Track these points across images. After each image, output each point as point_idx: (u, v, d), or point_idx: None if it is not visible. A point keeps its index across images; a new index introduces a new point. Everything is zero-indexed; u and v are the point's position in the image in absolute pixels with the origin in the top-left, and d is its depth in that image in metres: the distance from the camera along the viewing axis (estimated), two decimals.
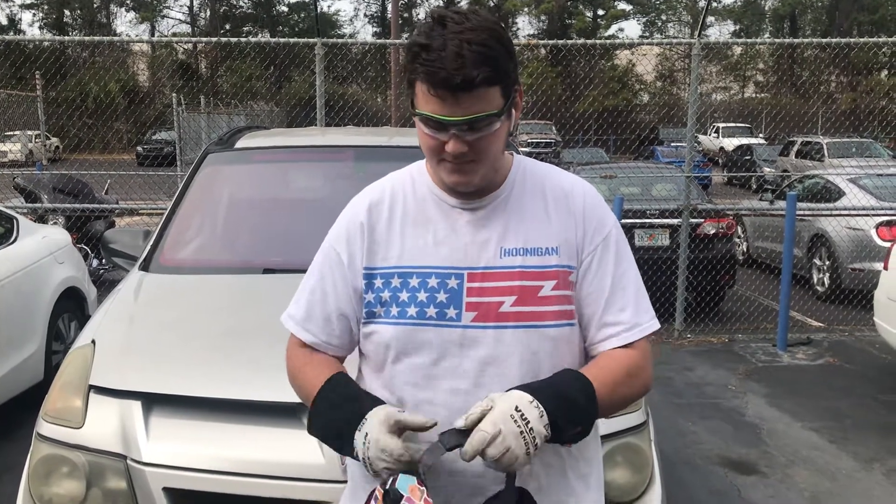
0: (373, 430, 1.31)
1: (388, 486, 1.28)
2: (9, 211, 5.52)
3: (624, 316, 1.46)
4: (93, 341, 2.56)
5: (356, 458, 1.35)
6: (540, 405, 1.28)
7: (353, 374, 1.55)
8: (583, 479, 1.49)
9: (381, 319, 1.44)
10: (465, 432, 1.29)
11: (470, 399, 1.39)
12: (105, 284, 7.35)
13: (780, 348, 6.76)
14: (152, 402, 2.26)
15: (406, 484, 1.26)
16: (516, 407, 1.27)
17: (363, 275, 1.46)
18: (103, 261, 8.10)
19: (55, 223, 7.92)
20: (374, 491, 1.31)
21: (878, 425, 5.03)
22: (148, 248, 3.35)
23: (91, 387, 2.34)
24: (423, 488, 1.25)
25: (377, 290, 1.44)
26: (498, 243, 1.43)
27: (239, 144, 3.84)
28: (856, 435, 4.86)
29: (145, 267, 3.24)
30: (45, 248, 5.29)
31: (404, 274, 1.43)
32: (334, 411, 1.39)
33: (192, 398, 2.26)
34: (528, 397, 1.29)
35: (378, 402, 1.38)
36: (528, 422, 1.26)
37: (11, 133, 18.36)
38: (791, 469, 4.38)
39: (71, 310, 5.43)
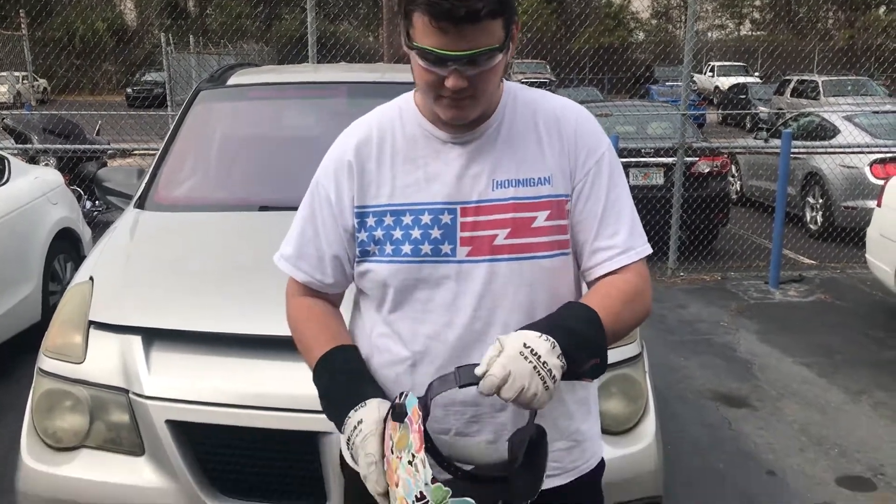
0: (367, 423, 1.31)
1: (398, 400, 1.29)
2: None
3: (617, 240, 1.45)
4: (91, 278, 2.57)
5: (341, 431, 1.36)
6: (550, 337, 1.26)
7: (346, 316, 1.57)
8: (582, 405, 1.52)
9: (375, 258, 1.44)
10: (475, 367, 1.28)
11: (467, 333, 1.40)
12: (99, 226, 7.33)
13: (772, 286, 6.81)
14: (152, 337, 2.28)
15: (411, 405, 1.27)
16: (524, 344, 1.24)
17: (355, 213, 1.45)
18: (97, 202, 8.07)
19: (47, 164, 7.85)
20: (395, 398, 1.32)
21: (868, 360, 5.11)
22: (142, 185, 3.34)
23: (91, 323, 2.36)
24: (421, 415, 1.24)
25: (370, 229, 1.44)
26: (490, 176, 1.41)
27: (231, 81, 3.79)
28: (845, 369, 4.94)
29: (140, 205, 3.23)
30: (37, 189, 5.26)
31: (397, 212, 1.42)
32: (338, 378, 1.41)
33: (191, 333, 2.28)
34: (536, 333, 1.27)
35: (379, 391, 1.39)
36: (540, 356, 1.23)
37: None
38: (781, 402, 4.46)
39: (66, 251, 5.43)
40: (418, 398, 1.27)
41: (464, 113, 1.37)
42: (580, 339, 1.30)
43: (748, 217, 9.55)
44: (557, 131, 1.45)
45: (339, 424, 1.36)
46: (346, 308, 1.59)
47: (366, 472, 1.29)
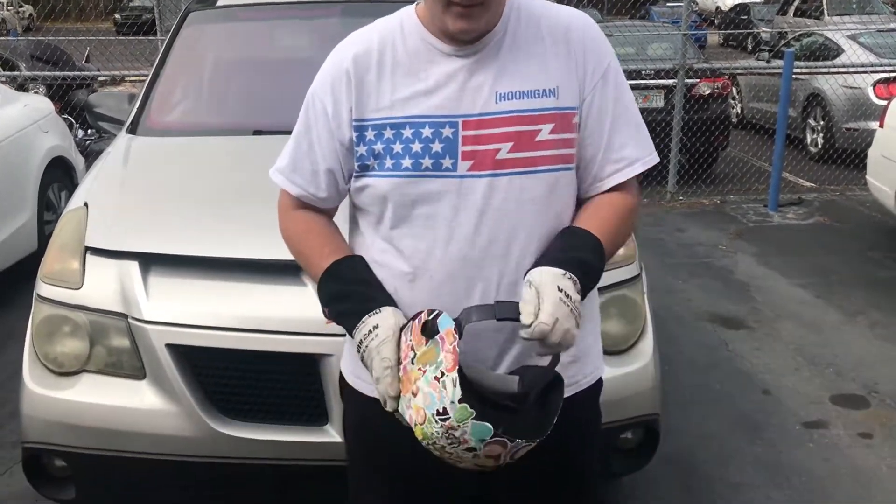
0: (384, 328, 1.32)
1: (430, 318, 1.30)
2: None
3: (626, 152, 1.44)
4: (85, 204, 2.55)
5: (352, 335, 1.36)
6: (572, 276, 1.30)
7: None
8: (587, 321, 1.51)
9: (375, 172, 1.41)
10: (516, 306, 1.29)
11: (468, 249, 1.38)
12: (92, 155, 7.25)
13: (772, 209, 6.81)
14: (149, 262, 2.27)
15: (445, 325, 1.27)
16: (558, 287, 1.27)
17: (353, 126, 1.41)
18: (89, 131, 7.97)
19: (36, 92, 7.72)
20: (420, 313, 1.32)
21: (865, 281, 5.13)
22: (134, 111, 3.29)
23: (87, 248, 2.35)
24: (457, 337, 1.26)
25: (369, 143, 1.40)
26: (492, 88, 1.38)
27: (221, 2, 3.70)
28: (842, 290, 4.97)
29: (133, 130, 3.19)
30: (28, 117, 5.19)
31: (397, 125, 1.38)
32: (350, 286, 1.40)
33: (189, 257, 2.28)
34: (561, 271, 1.29)
35: (391, 300, 1.39)
36: (571, 297, 1.27)
37: None
38: (778, 323, 4.50)
39: (60, 179, 5.39)
40: (454, 320, 1.28)
41: (473, 24, 1.33)
42: (591, 270, 1.34)
43: (748, 140, 9.48)
44: (565, 42, 1.41)
45: (351, 328, 1.37)
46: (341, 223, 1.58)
47: (380, 375, 1.30)
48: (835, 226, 6.41)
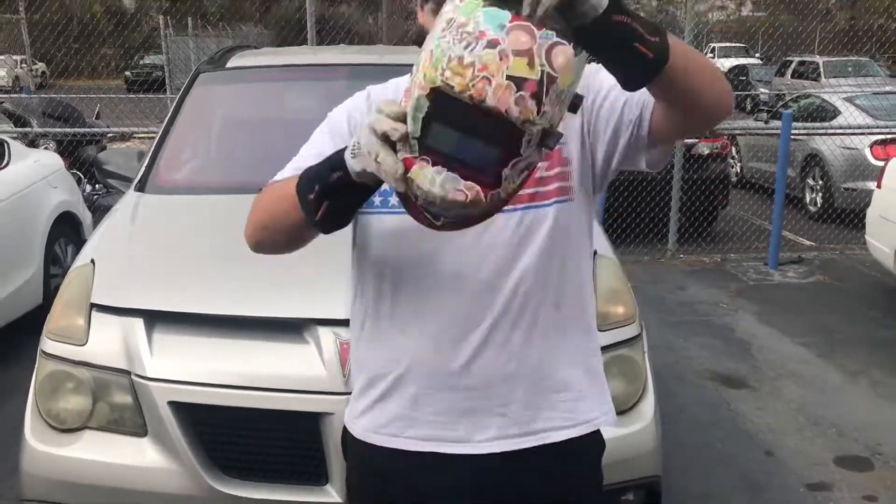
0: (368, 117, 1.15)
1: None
2: None
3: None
4: (92, 261, 2.58)
5: (348, 166, 1.18)
6: None
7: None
8: (589, 369, 1.52)
9: (380, 209, 1.42)
10: None
11: (469, 286, 1.39)
12: (99, 210, 7.32)
13: (772, 267, 6.82)
14: (154, 319, 2.29)
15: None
16: None
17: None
18: (97, 186, 8.06)
19: (46, 148, 7.83)
20: None
21: (866, 340, 5.12)
22: (143, 168, 3.34)
23: (93, 305, 2.37)
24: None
25: None
26: None
27: (230, 64, 3.78)
28: (844, 350, 4.95)
29: (141, 187, 3.23)
30: (37, 173, 5.26)
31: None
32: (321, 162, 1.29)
33: (193, 315, 2.29)
34: None
35: None
36: None
37: None
38: (779, 382, 4.48)
39: (67, 234, 5.43)
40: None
41: None
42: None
43: (748, 199, 9.54)
44: None
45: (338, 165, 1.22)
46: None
47: (378, 151, 1.09)
48: (835, 285, 6.42)
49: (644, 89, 1.23)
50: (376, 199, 1.42)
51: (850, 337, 5.18)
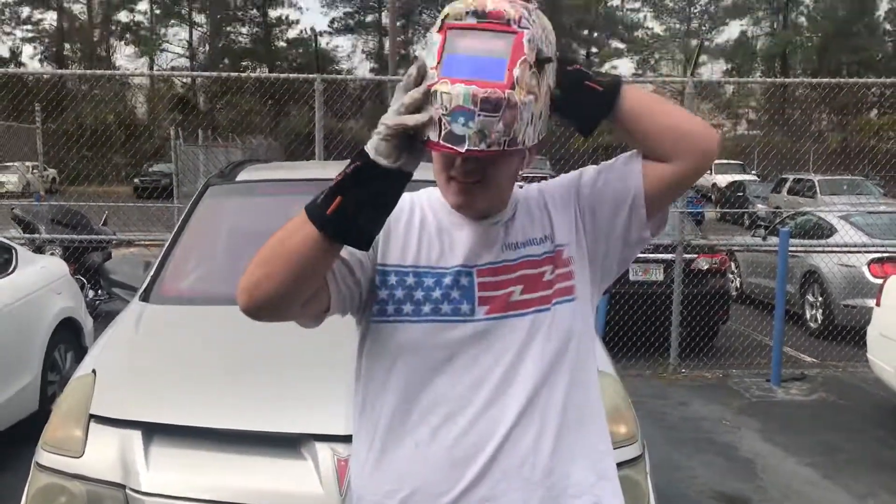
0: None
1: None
2: (7, 241, 5.54)
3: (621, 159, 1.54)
4: (93, 371, 2.58)
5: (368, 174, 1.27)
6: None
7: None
8: (608, 479, 1.55)
9: (394, 317, 1.46)
10: None
11: (484, 391, 1.42)
12: (101, 315, 7.34)
13: (775, 384, 6.77)
14: (153, 431, 2.27)
15: None
16: None
17: (378, 271, 1.48)
18: (100, 292, 8.11)
19: (53, 254, 7.92)
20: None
21: (872, 461, 5.03)
22: (148, 278, 3.37)
23: (91, 416, 2.35)
24: None
25: (391, 288, 1.46)
26: (503, 240, 1.49)
27: (240, 177, 3.88)
28: (849, 470, 4.86)
29: (146, 297, 3.26)
30: (42, 279, 5.31)
31: (420, 273, 1.47)
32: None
33: (192, 428, 2.27)
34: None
35: None
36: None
37: (9, 164, 18.44)
38: (785, 503, 4.38)
39: (67, 340, 5.43)
40: None
41: (471, 199, 1.44)
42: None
43: (748, 314, 9.55)
44: (559, 194, 1.56)
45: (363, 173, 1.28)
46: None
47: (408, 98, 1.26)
48: (839, 403, 6.35)
49: (626, 168, 1.48)
50: (390, 308, 1.45)
51: (856, 457, 5.09)
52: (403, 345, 1.45)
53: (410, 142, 1.28)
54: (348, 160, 1.32)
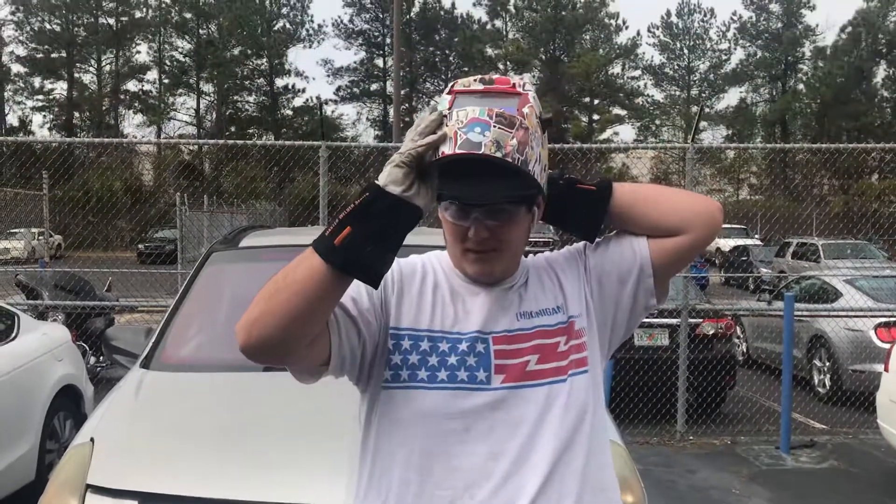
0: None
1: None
2: (10, 307, 5.55)
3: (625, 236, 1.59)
4: (91, 439, 2.55)
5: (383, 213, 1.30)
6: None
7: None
8: None
9: (409, 383, 1.43)
10: None
11: (503, 463, 1.40)
12: (102, 382, 7.28)
13: (784, 451, 6.66)
14: (149, 501, 2.23)
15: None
16: None
17: (390, 334, 1.46)
18: (101, 358, 8.06)
19: (55, 320, 7.92)
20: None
21: None
22: (150, 345, 3.36)
23: (88, 486, 2.32)
24: None
25: (405, 352, 1.44)
26: (517, 309, 1.50)
27: (243, 243, 3.90)
28: None
29: (146, 364, 3.24)
30: (44, 346, 5.29)
31: (435, 338, 1.46)
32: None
33: (189, 498, 2.23)
34: None
35: None
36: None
37: (16, 231, 18.58)
38: None
39: (67, 408, 5.38)
40: None
41: (489, 267, 1.46)
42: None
43: (756, 379, 9.45)
44: (564, 266, 1.58)
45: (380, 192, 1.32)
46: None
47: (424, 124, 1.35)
48: (850, 471, 6.23)
49: (632, 239, 1.53)
50: (404, 373, 1.43)
51: None
52: (418, 412, 1.43)
53: (423, 173, 1.32)
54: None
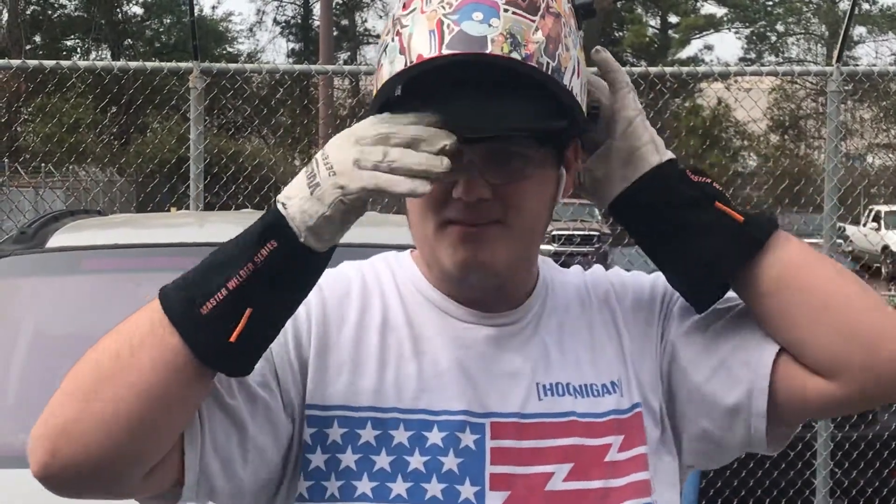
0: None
1: None
2: None
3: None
4: None
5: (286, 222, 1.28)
6: None
7: None
8: None
9: (340, 502, 1.41)
10: None
11: None
12: None
13: None
14: None
15: None
16: None
17: (307, 418, 1.43)
18: None
19: None
20: None
21: None
22: None
23: None
24: None
25: (331, 448, 1.42)
26: (533, 377, 1.47)
27: (54, 242, 3.87)
28: None
29: None
30: None
31: (386, 421, 1.43)
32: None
33: None
34: None
35: None
36: None
37: None
38: None
39: None
40: None
41: (485, 253, 1.40)
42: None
43: None
44: (605, 309, 1.56)
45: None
46: None
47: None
48: None
49: (753, 338, 1.48)
50: (330, 485, 1.42)
51: None
52: None
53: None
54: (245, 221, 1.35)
